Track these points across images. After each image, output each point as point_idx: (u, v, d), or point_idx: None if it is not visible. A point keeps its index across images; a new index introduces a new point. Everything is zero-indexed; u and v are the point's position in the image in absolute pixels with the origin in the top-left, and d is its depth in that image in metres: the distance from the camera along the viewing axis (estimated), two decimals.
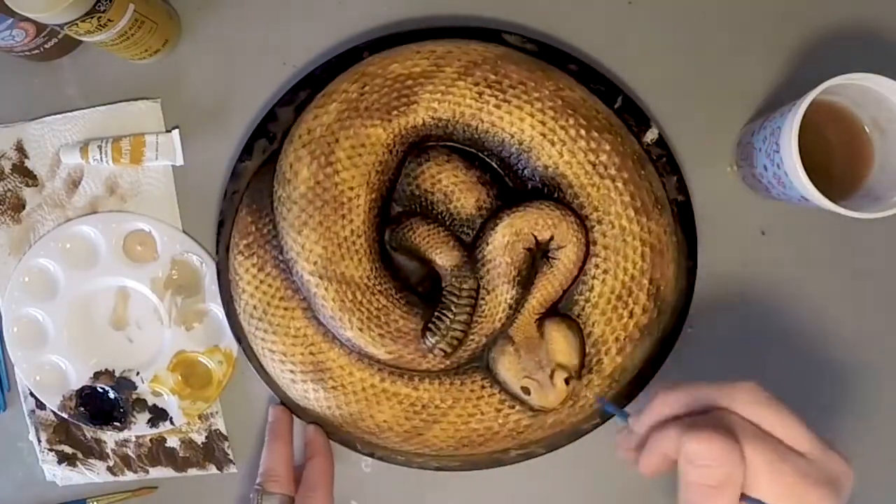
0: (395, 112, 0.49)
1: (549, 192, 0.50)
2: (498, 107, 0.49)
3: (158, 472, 0.57)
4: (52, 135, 0.57)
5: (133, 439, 0.57)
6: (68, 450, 0.58)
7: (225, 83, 0.56)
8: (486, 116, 0.49)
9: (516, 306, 0.49)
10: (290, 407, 0.54)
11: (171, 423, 0.56)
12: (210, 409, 0.56)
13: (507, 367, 0.48)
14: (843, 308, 0.54)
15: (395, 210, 0.52)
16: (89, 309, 0.57)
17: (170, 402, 0.56)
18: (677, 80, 0.54)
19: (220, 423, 0.57)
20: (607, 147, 0.49)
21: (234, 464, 0.57)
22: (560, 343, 0.48)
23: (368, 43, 0.53)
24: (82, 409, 0.56)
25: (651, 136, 0.52)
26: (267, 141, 0.54)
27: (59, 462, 0.58)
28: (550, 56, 0.53)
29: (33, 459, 0.58)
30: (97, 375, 0.57)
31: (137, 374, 0.56)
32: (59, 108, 0.57)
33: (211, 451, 0.57)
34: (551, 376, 0.47)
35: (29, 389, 0.57)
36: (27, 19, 0.49)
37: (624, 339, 0.49)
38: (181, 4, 0.56)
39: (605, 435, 0.52)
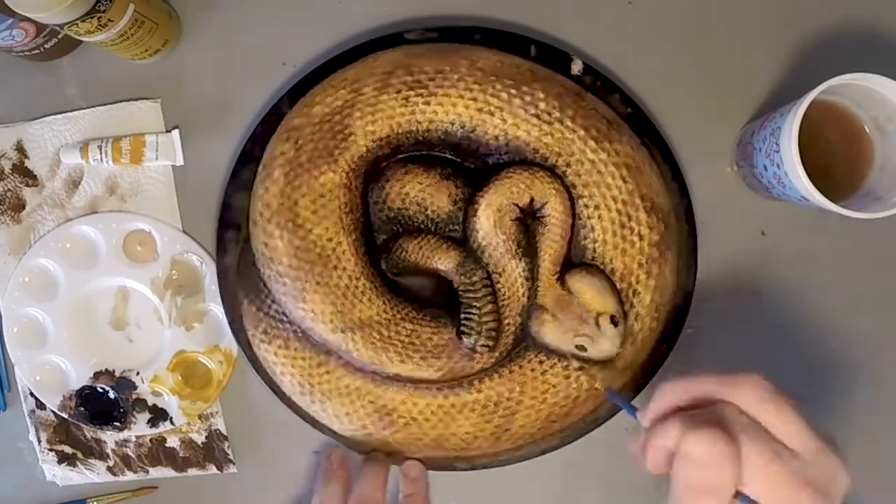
0: (336, 151, 0.49)
1: (511, 158, 0.49)
2: (427, 103, 0.49)
3: (158, 472, 0.57)
4: (52, 135, 0.57)
5: (133, 439, 0.57)
6: (68, 450, 0.58)
7: (225, 83, 0.56)
8: (421, 116, 0.49)
9: (532, 276, 0.49)
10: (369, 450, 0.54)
11: (171, 423, 0.56)
12: (210, 409, 0.56)
13: (553, 333, 0.48)
14: (843, 308, 0.54)
15: (380, 240, 0.52)
16: (89, 309, 0.57)
17: (170, 402, 0.56)
18: (677, 80, 0.54)
19: (220, 423, 0.57)
20: (541, 94, 0.49)
21: (234, 464, 0.57)
22: (588, 292, 0.47)
23: (292, 89, 0.53)
24: (82, 409, 0.56)
25: (577, 67, 0.52)
26: (234, 231, 0.53)
27: (59, 462, 0.58)
28: (453, 37, 0.53)
29: (33, 459, 0.58)
30: (97, 375, 0.57)
31: (137, 374, 0.56)
32: (59, 108, 0.57)
33: (211, 451, 0.57)
34: (597, 326, 0.47)
35: (29, 389, 0.57)
36: (27, 19, 0.49)
37: (647, 262, 0.49)
38: (181, 4, 0.56)
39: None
